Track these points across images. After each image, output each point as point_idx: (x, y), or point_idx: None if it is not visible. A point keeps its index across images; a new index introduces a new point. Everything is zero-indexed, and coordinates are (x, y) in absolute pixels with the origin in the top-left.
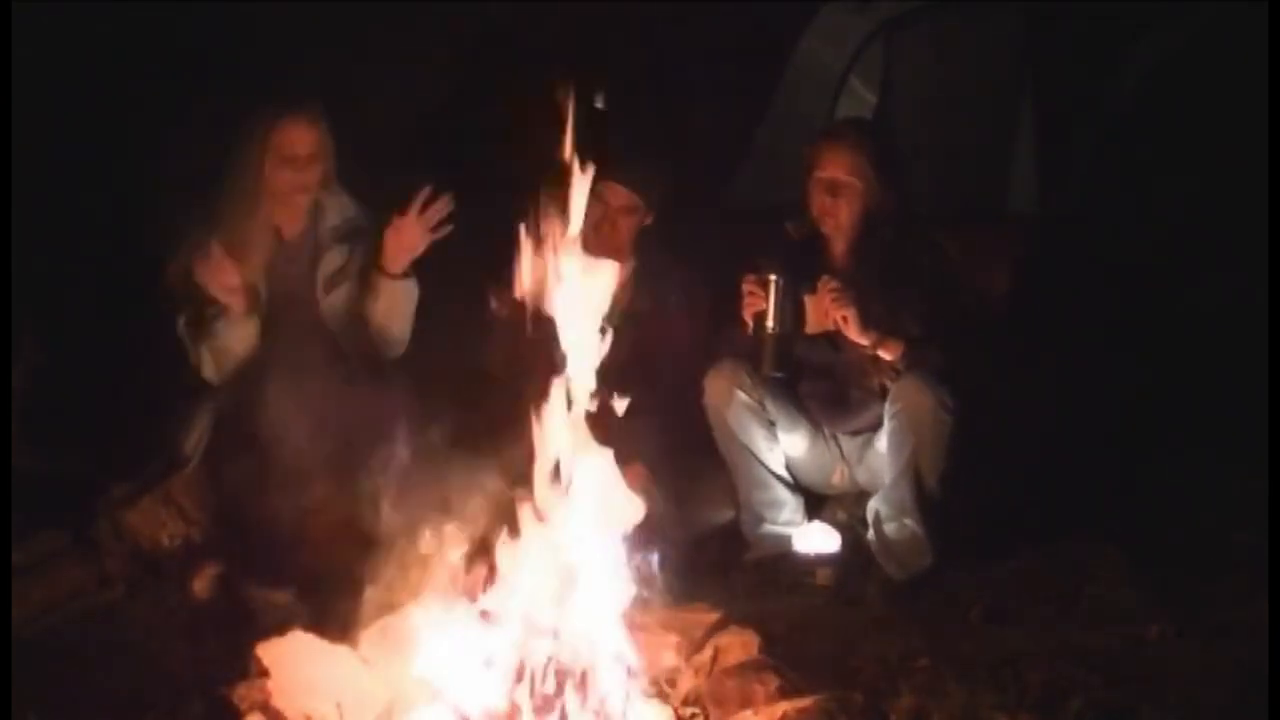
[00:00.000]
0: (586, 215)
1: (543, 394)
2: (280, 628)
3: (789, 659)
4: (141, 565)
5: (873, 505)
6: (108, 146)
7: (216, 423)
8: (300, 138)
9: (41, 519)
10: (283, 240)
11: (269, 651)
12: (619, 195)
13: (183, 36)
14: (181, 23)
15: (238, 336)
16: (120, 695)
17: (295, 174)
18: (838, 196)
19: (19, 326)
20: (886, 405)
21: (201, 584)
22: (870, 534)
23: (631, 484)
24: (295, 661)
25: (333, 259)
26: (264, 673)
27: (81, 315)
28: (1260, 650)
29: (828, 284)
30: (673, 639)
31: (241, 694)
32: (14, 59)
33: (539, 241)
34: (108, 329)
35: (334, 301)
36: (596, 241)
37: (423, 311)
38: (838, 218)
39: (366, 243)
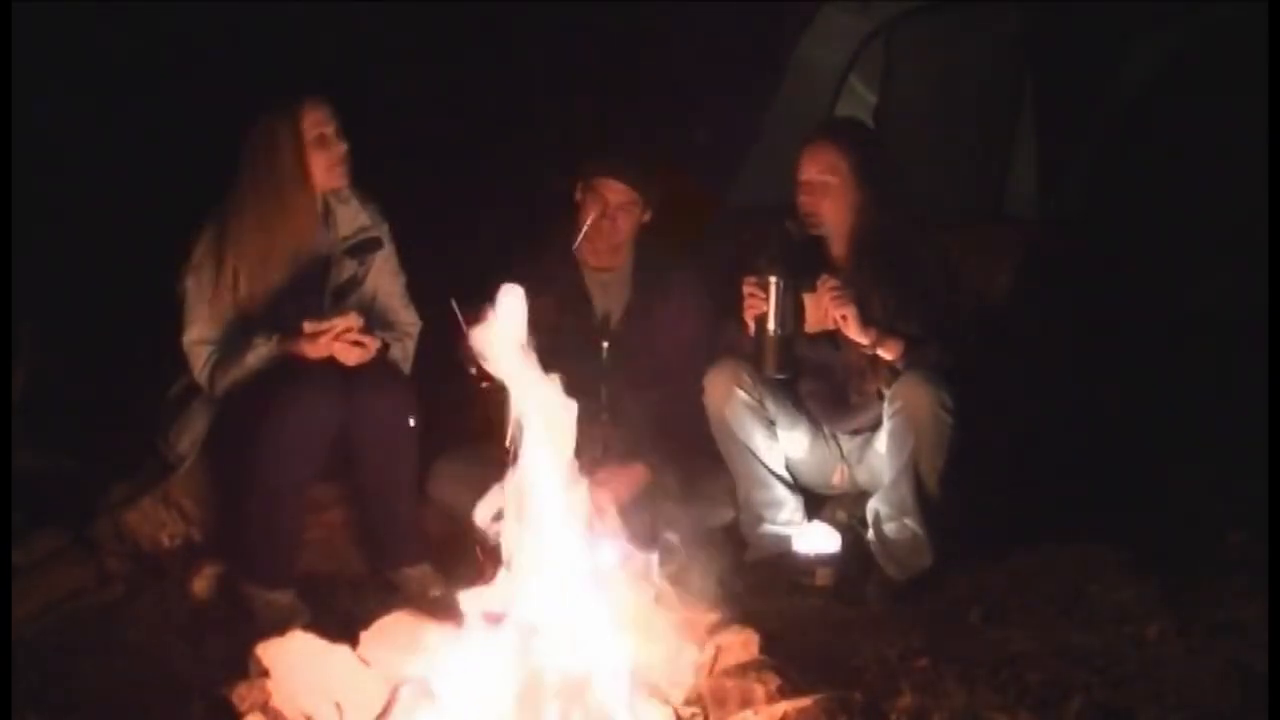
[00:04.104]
0: (585, 213)
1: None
2: (280, 628)
3: (789, 659)
4: (141, 565)
5: (873, 505)
6: (108, 146)
7: (214, 422)
8: (325, 117)
9: (41, 519)
10: (296, 246)
11: (269, 651)
12: (617, 192)
13: (182, 34)
14: (180, 21)
15: (267, 361)
16: (120, 695)
17: (329, 154)
18: (816, 194)
19: (19, 326)
20: (886, 405)
21: (201, 584)
22: (870, 534)
23: (631, 484)
24: (295, 661)
25: (343, 271)
26: (264, 673)
27: (81, 315)
28: (1260, 650)
29: (827, 283)
30: (673, 639)
31: (241, 694)
32: (14, 58)
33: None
34: (108, 329)
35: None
36: (597, 239)
37: (424, 315)
38: (819, 215)
39: (373, 257)
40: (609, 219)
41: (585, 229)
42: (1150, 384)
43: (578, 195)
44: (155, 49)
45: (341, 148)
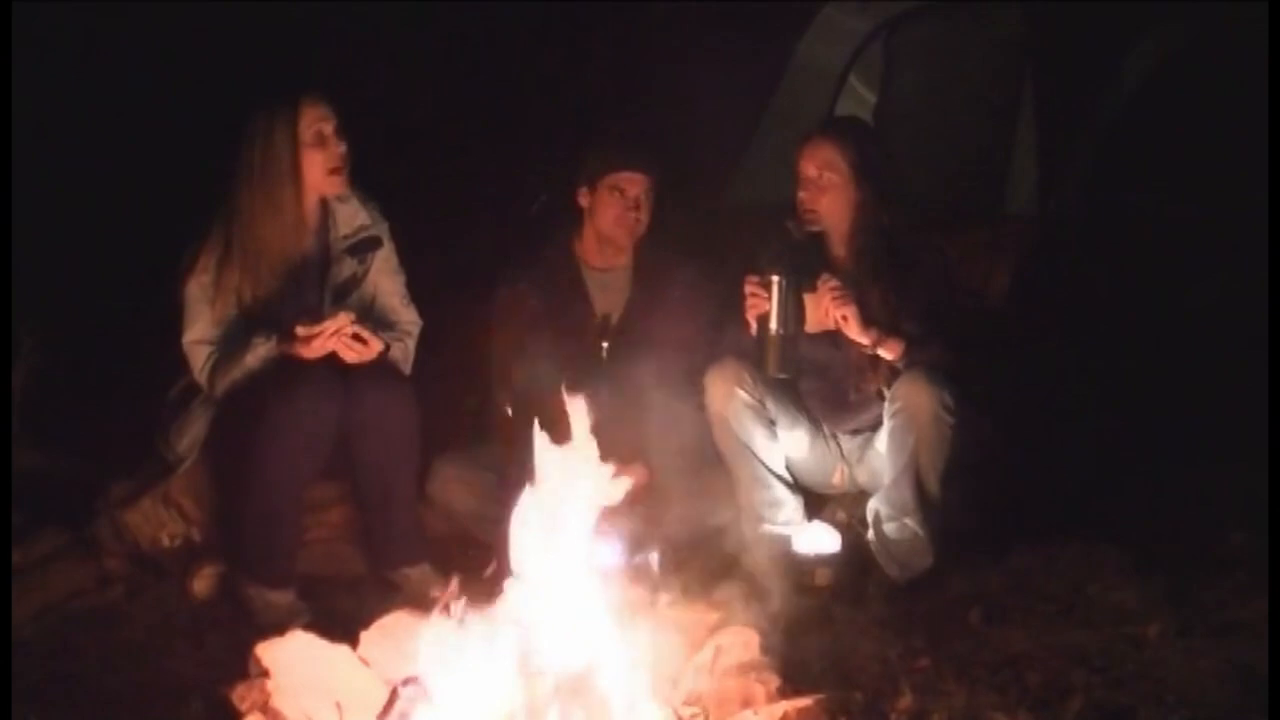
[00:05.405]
0: (601, 213)
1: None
2: (280, 628)
3: (789, 659)
4: (141, 565)
5: (873, 505)
6: (107, 146)
7: (214, 422)
8: (324, 116)
9: (41, 519)
10: (293, 245)
11: (269, 651)
12: (636, 183)
13: (182, 34)
14: (180, 21)
15: (267, 361)
16: (120, 695)
17: (327, 154)
18: (815, 191)
19: (19, 326)
20: (886, 404)
21: (201, 584)
22: (870, 534)
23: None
24: (295, 661)
25: (342, 270)
26: (264, 673)
27: (81, 315)
28: (1260, 650)
29: (828, 283)
30: (673, 639)
31: (241, 694)
32: (14, 57)
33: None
34: (108, 329)
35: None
36: (620, 235)
37: (424, 314)
38: (818, 212)
39: (373, 254)
40: (634, 210)
41: (605, 228)
42: (1150, 384)
43: (584, 199)
44: (155, 49)
45: (340, 147)
